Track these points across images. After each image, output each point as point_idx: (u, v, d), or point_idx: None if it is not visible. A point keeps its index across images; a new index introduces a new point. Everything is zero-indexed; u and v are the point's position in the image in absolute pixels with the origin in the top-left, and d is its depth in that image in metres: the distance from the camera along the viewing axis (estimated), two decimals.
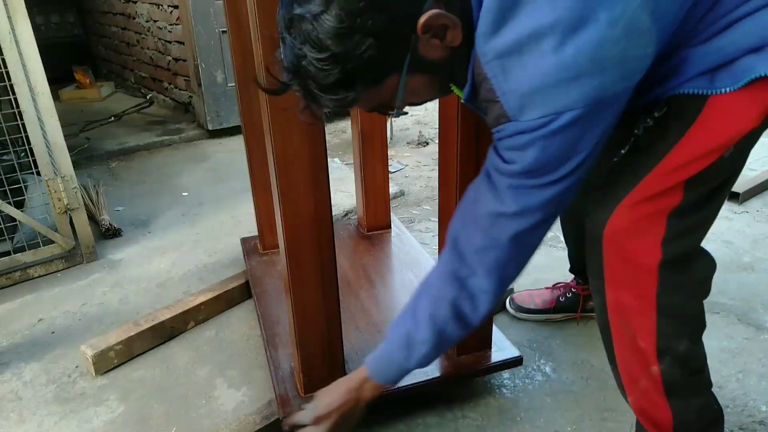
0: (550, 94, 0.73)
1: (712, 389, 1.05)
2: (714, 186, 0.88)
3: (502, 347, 1.36)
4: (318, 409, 1.10)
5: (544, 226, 0.87)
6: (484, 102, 0.81)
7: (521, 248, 0.89)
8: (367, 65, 0.72)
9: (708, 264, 0.96)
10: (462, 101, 0.85)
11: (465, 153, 1.13)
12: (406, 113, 0.85)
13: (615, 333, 0.98)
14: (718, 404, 1.04)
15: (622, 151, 0.93)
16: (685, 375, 0.97)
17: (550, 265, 1.93)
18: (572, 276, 1.66)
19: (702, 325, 0.98)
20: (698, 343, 0.99)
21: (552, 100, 0.73)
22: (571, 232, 1.53)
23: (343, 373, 1.24)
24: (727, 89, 0.79)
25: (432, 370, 1.29)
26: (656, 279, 0.89)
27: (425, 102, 0.88)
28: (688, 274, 0.91)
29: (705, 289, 0.96)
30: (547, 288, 1.67)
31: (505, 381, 1.41)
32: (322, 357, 1.21)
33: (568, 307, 1.62)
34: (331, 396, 1.10)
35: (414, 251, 1.81)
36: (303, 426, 1.11)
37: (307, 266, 1.12)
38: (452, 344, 1.04)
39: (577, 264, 1.60)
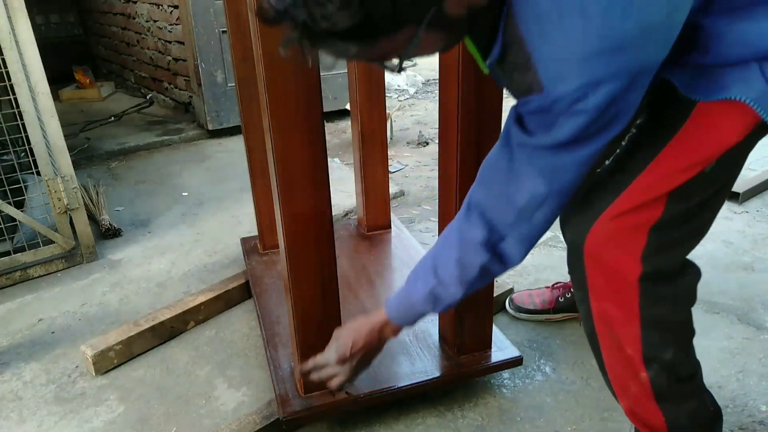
0: (591, 63, 0.67)
1: (712, 389, 1.04)
2: (701, 199, 0.85)
3: (502, 347, 1.36)
4: (341, 349, 1.09)
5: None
6: (512, 67, 0.75)
7: (553, 220, 0.86)
8: (391, 12, 0.64)
9: (693, 276, 0.93)
10: (487, 64, 0.79)
11: (465, 153, 1.13)
12: (404, 69, 0.79)
13: (602, 340, 0.97)
14: (716, 404, 1.03)
15: (607, 162, 0.91)
16: (673, 382, 0.96)
17: (550, 265, 1.93)
18: None
19: (690, 332, 0.97)
20: (687, 349, 0.97)
21: (591, 70, 0.67)
22: None
23: None
24: (699, 98, 0.76)
25: (432, 370, 1.29)
26: (637, 291, 0.88)
27: (425, 56, 0.78)
28: (671, 286, 0.90)
29: (690, 299, 0.94)
30: (546, 288, 1.66)
31: (505, 381, 1.41)
32: None
33: (568, 307, 1.61)
34: (354, 337, 1.09)
35: (414, 251, 1.81)
36: (323, 367, 1.13)
37: (307, 266, 1.12)
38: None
39: None
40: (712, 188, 0.85)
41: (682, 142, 0.80)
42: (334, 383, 1.12)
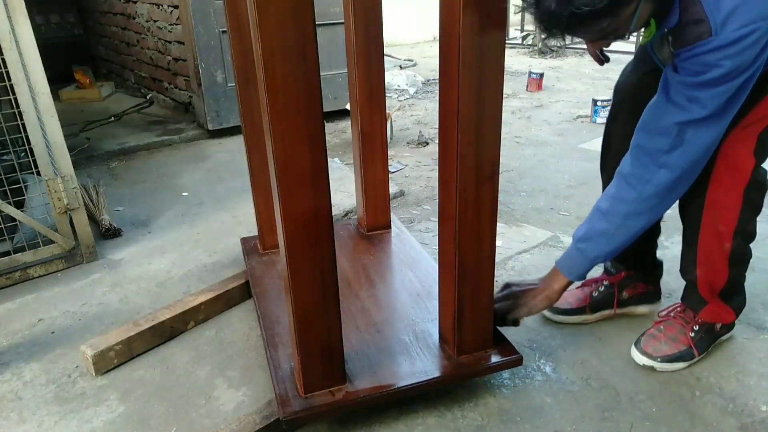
0: (749, 7, 0.97)
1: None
2: None
3: (502, 347, 1.36)
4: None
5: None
6: (685, 26, 1.05)
7: (712, 147, 1.18)
8: None
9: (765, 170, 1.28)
10: (658, 34, 1.13)
11: (465, 153, 1.13)
12: (628, 38, 1.13)
13: (704, 224, 1.30)
14: (749, 249, 1.38)
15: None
16: (746, 246, 1.35)
17: (550, 265, 1.93)
18: (602, 270, 1.67)
19: (760, 211, 1.32)
20: (756, 223, 1.34)
21: (750, 12, 0.98)
22: None
23: (343, 372, 1.25)
24: None
25: (432, 370, 1.29)
26: (748, 179, 1.24)
27: (632, 33, 1.11)
28: (765, 175, 1.27)
29: (766, 185, 1.29)
30: (577, 288, 1.63)
31: (505, 381, 1.41)
32: (322, 357, 1.21)
33: (603, 302, 1.61)
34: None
35: (414, 251, 1.81)
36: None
37: (307, 266, 1.11)
38: None
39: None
40: None
41: None
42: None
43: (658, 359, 1.42)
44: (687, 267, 1.41)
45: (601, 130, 1.60)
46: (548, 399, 1.36)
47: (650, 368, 1.43)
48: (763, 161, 1.24)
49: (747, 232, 1.32)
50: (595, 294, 1.61)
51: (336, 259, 1.14)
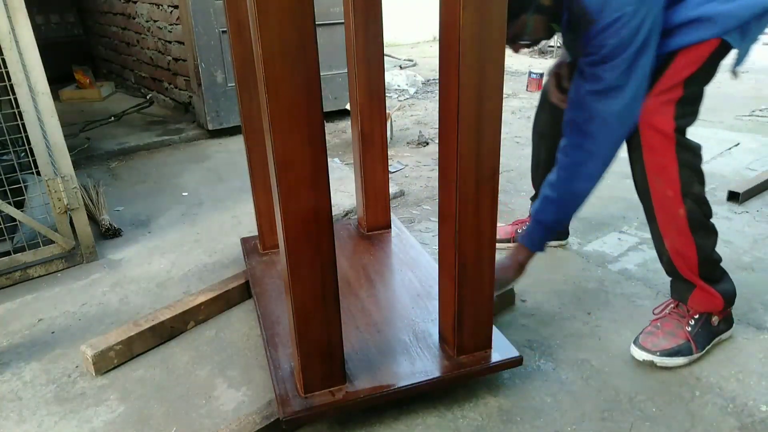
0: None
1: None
2: (698, 89, 1.37)
3: (502, 347, 1.36)
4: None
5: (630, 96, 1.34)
6: (575, 21, 1.33)
7: (625, 115, 1.36)
8: (510, 7, 1.10)
9: (696, 143, 1.39)
10: (562, 30, 1.43)
11: (465, 153, 1.13)
12: (536, 44, 1.50)
13: (653, 190, 1.40)
14: (709, 222, 1.44)
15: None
16: (702, 215, 1.40)
17: (551, 265, 1.94)
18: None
19: (703, 181, 1.40)
20: (704, 192, 1.40)
21: (617, 1, 1.23)
22: (543, 152, 1.89)
23: (343, 372, 1.25)
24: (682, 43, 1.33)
25: (432, 370, 1.29)
26: (674, 141, 1.35)
27: (540, 40, 1.48)
28: (687, 140, 1.37)
29: (699, 155, 1.39)
30: (508, 225, 2.13)
31: (505, 381, 1.41)
32: (322, 357, 1.21)
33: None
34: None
35: (414, 251, 1.81)
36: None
37: (307, 266, 1.12)
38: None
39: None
40: (703, 83, 1.37)
41: (685, 56, 1.33)
42: None
43: (657, 353, 1.44)
44: (659, 248, 1.47)
45: None
46: (548, 399, 1.36)
47: (650, 363, 1.44)
48: (684, 126, 1.37)
49: (695, 195, 1.38)
50: (520, 231, 2.04)
51: (336, 259, 1.14)
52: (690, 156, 1.37)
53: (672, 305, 1.54)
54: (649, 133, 1.37)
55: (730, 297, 1.49)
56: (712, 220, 1.43)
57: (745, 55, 1.37)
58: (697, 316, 1.48)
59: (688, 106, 1.37)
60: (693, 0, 1.31)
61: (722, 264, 1.48)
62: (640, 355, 1.46)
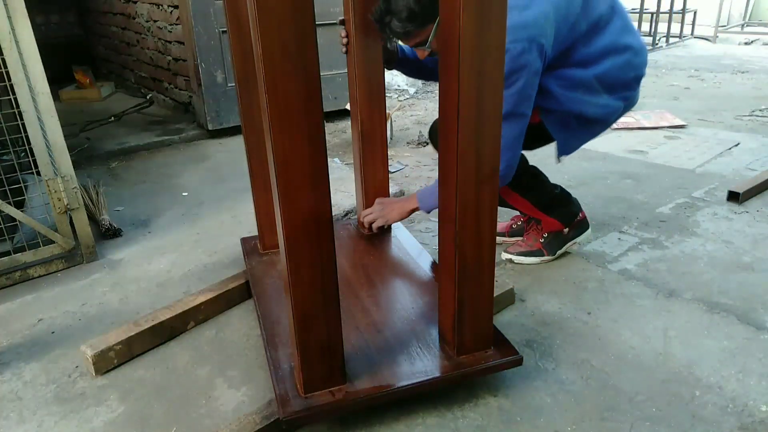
0: (511, 30, 1.21)
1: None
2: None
3: (502, 347, 1.36)
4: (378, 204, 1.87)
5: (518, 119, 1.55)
6: None
7: (520, 139, 1.59)
8: (417, 16, 1.34)
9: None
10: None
11: (465, 153, 1.13)
12: (436, 54, 1.50)
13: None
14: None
15: None
16: (517, 182, 1.75)
17: (551, 265, 1.94)
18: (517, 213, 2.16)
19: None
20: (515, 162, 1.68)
21: (510, 34, 1.22)
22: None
23: (343, 373, 1.25)
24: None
25: (432, 370, 1.29)
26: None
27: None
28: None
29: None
30: (506, 222, 2.19)
31: (505, 381, 1.41)
32: (322, 357, 1.21)
33: (518, 232, 2.11)
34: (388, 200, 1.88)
35: (414, 251, 1.81)
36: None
37: (307, 266, 1.12)
38: None
39: None
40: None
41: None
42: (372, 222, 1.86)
43: (515, 254, 1.95)
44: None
45: None
46: (548, 399, 1.36)
47: (509, 260, 1.95)
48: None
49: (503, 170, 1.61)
50: (515, 227, 2.14)
51: (336, 259, 1.14)
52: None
53: (534, 223, 1.97)
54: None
55: (565, 218, 1.92)
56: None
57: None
58: (546, 234, 1.94)
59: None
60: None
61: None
62: (504, 255, 1.95)
